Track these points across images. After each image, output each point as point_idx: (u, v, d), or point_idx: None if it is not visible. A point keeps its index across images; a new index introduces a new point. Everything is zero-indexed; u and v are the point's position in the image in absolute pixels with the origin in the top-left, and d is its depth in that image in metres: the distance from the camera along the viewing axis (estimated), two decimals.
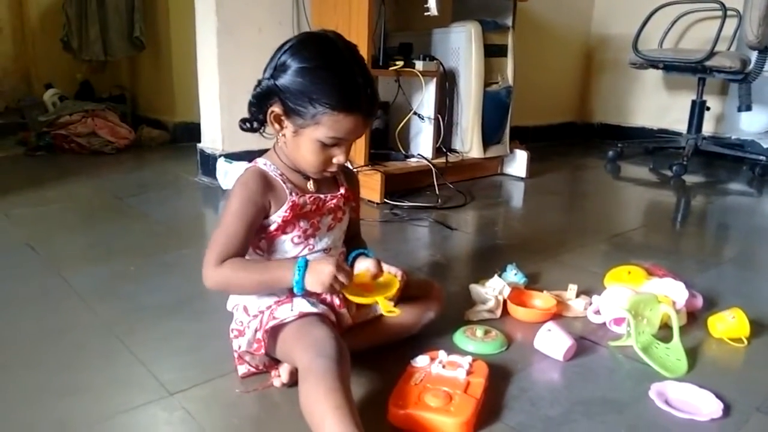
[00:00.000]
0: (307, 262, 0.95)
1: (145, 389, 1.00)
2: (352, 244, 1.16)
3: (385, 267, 1.07)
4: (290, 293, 1.00)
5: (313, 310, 0.97)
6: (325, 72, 0.94)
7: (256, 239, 1.03)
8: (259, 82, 0.99)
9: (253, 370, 1.03)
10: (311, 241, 1.05)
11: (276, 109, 0.97)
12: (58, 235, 1.84)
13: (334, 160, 1.00)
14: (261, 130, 1.03)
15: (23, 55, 3.70)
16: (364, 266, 1.06)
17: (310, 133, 0.96)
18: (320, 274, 0.94)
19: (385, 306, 1.00)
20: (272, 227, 1.02)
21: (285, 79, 0.95)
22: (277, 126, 1.00)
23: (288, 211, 1.01)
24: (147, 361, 1.08)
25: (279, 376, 1.00)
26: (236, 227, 0.98)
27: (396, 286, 1.04)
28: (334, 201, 1.07)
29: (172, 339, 1.18)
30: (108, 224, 1.95)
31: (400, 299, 1.13)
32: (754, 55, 2.87)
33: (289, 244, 1.04)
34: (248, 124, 1.02)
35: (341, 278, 0.94)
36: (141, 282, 1.46)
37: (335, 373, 0.83)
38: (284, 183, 1.02)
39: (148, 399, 0.97)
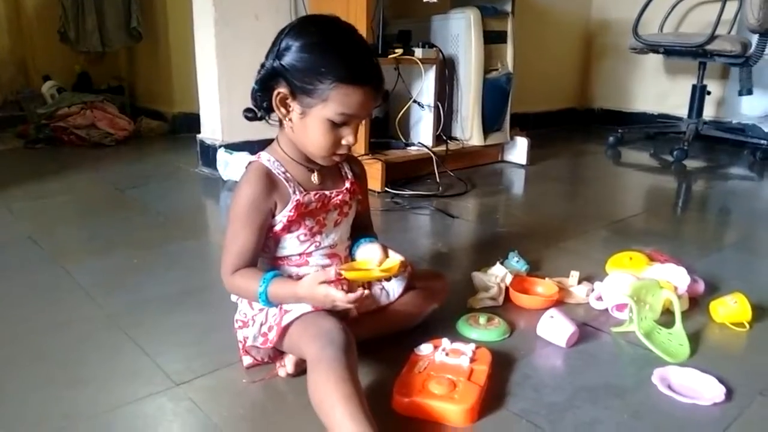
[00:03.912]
0: (269, 282, 0.95)
1: (151, 380, 1.01)
2: (360, 235, 1.13)
3: (390, 253, 1.06)
4: None
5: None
6: (331, 46, 0.93)
7: None
8: (262, 66, 0.97)
9: (258, 360, 1.04)
10: (317, 238, 1.04)
11: (282, 90, 0.94)
12: (60, 228, 1.84)
13: (344, 141, 0.97)
14: (267, 118, 1.01)
15: (20, 46, 3.67)
16: (369, 253, 1.05)
17: (318, 112, 0.93)
18: (317, 299, 0.93)
19: (380, 274, 0.99)
20: (277, 227, 1.00)
21: (290, 58, 0.93)
22: (283, 110, 0.97)
23: (293, 210, 0.99)
24: (152, 353, 1.09)
25: (284, 366, 1.01)
26: (245, 235, 0.97)
27: (395, 265, 1.01)
28: (340, 197, 1.05)
29: (176, 330, 1.19)
30: (109, 216, 1.95)
31: (406, 289, 1.13)
32: (754, 39, 2.84)
33: (295, 242, 1.03)
34: (253, 113, 1.00)
35: (337, 299, 0.91)
36: (144, 274, 1.46)
37: (344, 362, 0.84)
38: (287, 181, 1.00)
39: (154, 390, 0.98)
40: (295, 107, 0.96)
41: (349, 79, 0.91)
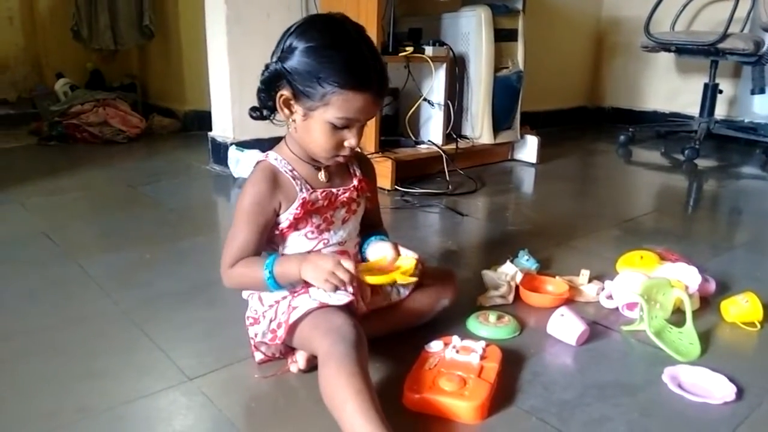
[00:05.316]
0: (274, 262, 0.96)
1: (165, 375, 1.02)
2: (370, 232, 1.14)
3: (402, 251, 1.06)
4: (305, 284, 1.00)
5: (332, 301, 0.97)
6: (333, 50, 0.92)
7: (270, 234, 1.02)
8: (267, 67, 0.97)
9: (269, 356, 1.05)
10: (325, 235, 1.05)
11: (285, 92, 0.95)
12: (74, 224, 1.86)
13: (346, 143, 0.97)
14: (271, 118, 1.02)
15: (33, 44, 3.71)
16: (381, 252, 1.06)
17: (319, 115, 0.94)
18: (317, 269, 0.94)
19: (402, 278, 1.01)
20: (284, 225, 1.01)
21: (292, 61, 0.93)
22: (286, 111, 0.98)
23: (299, 208, 1.00)
24: (166, 347, 1.10)
25: (296, 362, 1.02)
26: (247, 234, 0.99)
27: (413, 265, 1.02)
28: (347, 194, 1.06)
29: (189, 325, 1.20)
30: (122, 213, 1.97)
31: (417, 286, 1.14)
32: (767, 37, 2.83)
33: (302, 240, 1.03)
34: (258, 112, 1.01)
35: (340, 275, 0.93)
36: (157, 269, 1.48)
37: (355, 358, 0.84)
38: (294, 179, 1.01)
39: (168, 384, 0.99)
40: (297, 109, 0.97)
41: (350, 85, 0.91)
